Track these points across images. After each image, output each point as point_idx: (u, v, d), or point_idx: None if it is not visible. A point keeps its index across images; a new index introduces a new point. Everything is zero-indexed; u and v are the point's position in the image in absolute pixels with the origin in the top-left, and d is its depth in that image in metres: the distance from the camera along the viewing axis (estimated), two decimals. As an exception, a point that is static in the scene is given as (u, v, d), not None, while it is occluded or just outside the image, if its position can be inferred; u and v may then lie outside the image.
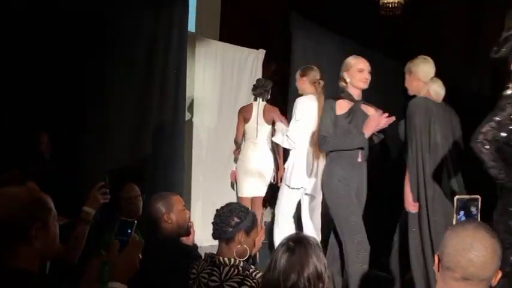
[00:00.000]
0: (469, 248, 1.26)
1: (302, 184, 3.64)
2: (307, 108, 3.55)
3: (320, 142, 3.15)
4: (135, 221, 1.57)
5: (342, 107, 3.13)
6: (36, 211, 1.36)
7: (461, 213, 1.57)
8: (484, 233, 1.29)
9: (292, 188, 3.67)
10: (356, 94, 3.18)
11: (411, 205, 3.00)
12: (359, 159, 3.14)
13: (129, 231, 1.54)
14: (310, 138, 3.56)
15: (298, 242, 1.59)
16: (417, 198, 2.96)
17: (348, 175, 3.10)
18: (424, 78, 3.10)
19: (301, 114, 3.54)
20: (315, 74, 3.71)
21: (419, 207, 2.95)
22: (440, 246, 1.34)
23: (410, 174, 3.00)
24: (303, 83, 3.73)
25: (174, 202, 2.35)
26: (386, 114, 3.00)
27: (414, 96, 3.11)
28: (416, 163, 2.95)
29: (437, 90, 3.12)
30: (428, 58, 3.17)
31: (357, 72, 3.13)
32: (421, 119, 2.95)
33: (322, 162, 3.44)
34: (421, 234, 2.93)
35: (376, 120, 2.99)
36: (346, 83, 3.17)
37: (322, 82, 3.67)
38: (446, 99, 3.19)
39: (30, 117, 3.02)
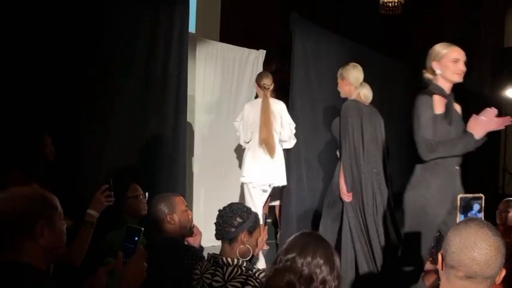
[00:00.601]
0: (473, 246, 1.26)
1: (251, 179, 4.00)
2: (247, 111, 4.06)
3: (424, 148, 2.60)
4: (142, 229, 1.59)
5: (439, 104, 2.66)
6: (41, 209, 1.39)
7: (464, 211, 1.58)
8: (487, 231, 1.29)
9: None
10: (447, 88, 2.71)
11: (345, 195, 3.33)
12: (456, 166, 2.72)
13: (136, 238, 1.56)
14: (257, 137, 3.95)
15: (311, 233, 1.57)
16: (351, 189, 3.30)
17: (446, 185, 2.65)
18: (354, 83, 3.47)
19: (241, 116, 4.11)
20: (263, 79, 4.05)
21: (353, 196, 3.30)
22: (444, 245, 1.34)
23: (344, 167, 3.33)
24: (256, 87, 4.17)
25: (176, 203, 2.36)
26: (496, 111, 2.58)
27: (346, 98, 3.48)
28: (349, 157, 3.31)
29: (366, 94, 3.59)
30: (358, 65, 3.54)
31: (451, 63, 2.68)
32: (353, 119, 3.31)
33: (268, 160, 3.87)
34: (353, 219, 3.29)
35: (491, 120, 2.56)
36: (435, 74, 2.72)
37: (268, 87, 4.02)
38: (373, 102, 3.60)
39: (33, 120, 3.03)
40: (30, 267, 1.33)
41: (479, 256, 1.25)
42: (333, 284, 1.43)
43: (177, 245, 2.32)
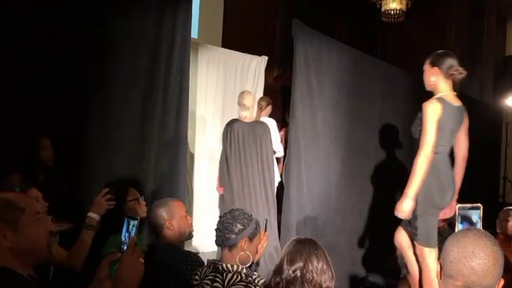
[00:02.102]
0: (471, 256, 1.26)
1: None
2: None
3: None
4: (139, 218, 1.59)
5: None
6: (1, 213, 1.39)
7: (463, 221, 1.58)
8: (485, 241, 1.29)
9: None
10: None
11: (218, 188, 4.26)
12: None
13: (133, 227, 1.57)
14: None
15: (308, 239, 1.62)
16: (222, 184, 4.18)
17: None
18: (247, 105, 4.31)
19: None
20: (259, 101, 4.92)
21: (224, 190, 4.17)
22: (442, 254, 1.34)
23: (219, 165, 4.29)
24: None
25: (176, 208, 2.36)
26: None
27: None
28: (223, 158, 4.27)
29: (245, 115, 4.34)
30: (251, 92, 4.51)
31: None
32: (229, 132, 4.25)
33: None
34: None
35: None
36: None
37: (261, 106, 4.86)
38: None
39: (34, 124, 3.04)
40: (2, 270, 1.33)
41: (477, 266, 1.25)
42: (331, 285, 1.55)
43: (177, 251, 2.32)
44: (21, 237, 1.40)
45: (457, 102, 2.92)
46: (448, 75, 2.86)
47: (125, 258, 1.48)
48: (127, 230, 1.58)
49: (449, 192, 2.91)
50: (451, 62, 2.86)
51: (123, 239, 1.57)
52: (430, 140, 2.75)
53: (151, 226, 2.36)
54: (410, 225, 2.93)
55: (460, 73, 2.85)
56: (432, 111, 2.77)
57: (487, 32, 7.44)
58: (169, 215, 2.32)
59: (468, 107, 3.08)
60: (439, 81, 2.87)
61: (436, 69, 2.88)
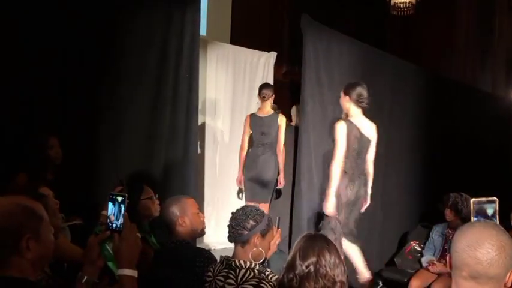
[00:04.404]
0: (475, 246, 1.25)
1: None
2: None
3: None
4: (126, 195, 1.60)
5: None
6: (25, 222, 1.31)
7: (477, 215, 1.57)
8: (491, 231, 1.27)
9: None
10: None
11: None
12: None
13: (122, 206, 1.57)
14: None
15: (319, 234, 1.65)
16: None
17: None
18: None
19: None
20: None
21: None
22: (451, 246, 1.33)
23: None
24: None
25: (188, 205, 2.37)
26: None
27: None
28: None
29: None
30: None
31: None
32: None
33: None
34: None
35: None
36: None
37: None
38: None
39: (42, 123, 3.06)
40: (20, 282, 1.27)
41: (481, 255, 1.23)
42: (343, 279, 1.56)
43: (189, 247, 2.33)
44: (41, 246, 1.33)
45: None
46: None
47: (125, 234, 1.50)
48: (113, 207, 1.57)
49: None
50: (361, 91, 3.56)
51: (110, 217, 1.56)
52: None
53: (163, 223, 2.37)
54: None
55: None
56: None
57: (498, 23, 7.34)
58: (181, 212, 2.33)
59: (480, 99, 3.06)
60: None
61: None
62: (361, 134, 3.57)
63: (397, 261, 4.24)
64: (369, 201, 3.72)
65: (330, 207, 3.51)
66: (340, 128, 3.51)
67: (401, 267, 4.17)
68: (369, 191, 3.72)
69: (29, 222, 1.31)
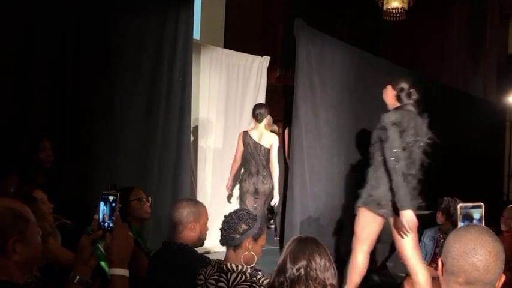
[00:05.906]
0: (472, 253, 1.26)
1: None
2: None
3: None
4: (118, 194, 1.59)
5: None
6: (11, 224, 1.30)
7: (464, 219, 1.58)
8: (486, 237, 1.29)
9: None
10: None
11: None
12: None
13: (114, 205, 1.56)
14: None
15: (309, 237, 1.63)
16: None
17: None
18: None
19: None
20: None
21: None
22: (443, 251, 1.34)
23: None
24: None
25: (203, 213, 2.31)
26: None
27: None
28: None
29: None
30: None
31: None
32: None
33: None
34: None
35: None
36: None
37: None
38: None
39: (37, 126, 3.05)
40: (7, 284, 1.26)
41: (478, 262, 1.25)
42: (334, 282, 1.57)
43: (191, 252, 2.26)
44: (28, 249, 1.32)
45: None
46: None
47: (116, 233, 1.50)
48: (105, 207, 1.57)
49: None
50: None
51: (102, 216, 1.55)
52: None
53: (171, 221, 2.31)
54: None
55: None
56: None
57: (490, 30, 7.42)
58: (195, 218, 2.27)
59: (472, 105, 3.09)
60: None
61: None
62: None
63: (388, 265, 4.26)
64: None
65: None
66: None
67: (393, 271, 4.19)
68: None
69: (15, 225, 1.30)
